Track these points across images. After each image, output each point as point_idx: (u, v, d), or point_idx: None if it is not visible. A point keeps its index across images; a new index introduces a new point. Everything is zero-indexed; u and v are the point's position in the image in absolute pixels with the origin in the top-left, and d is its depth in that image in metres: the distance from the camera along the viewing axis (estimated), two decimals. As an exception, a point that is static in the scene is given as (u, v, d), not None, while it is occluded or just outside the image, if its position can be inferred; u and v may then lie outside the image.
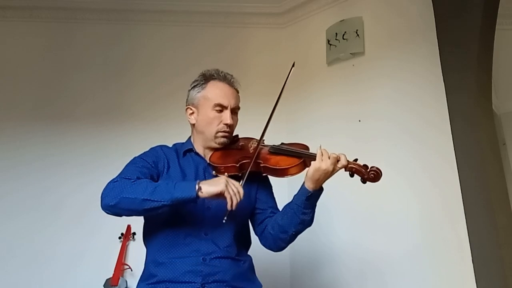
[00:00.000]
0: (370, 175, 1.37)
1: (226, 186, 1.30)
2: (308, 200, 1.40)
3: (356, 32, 2.57)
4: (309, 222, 1.45)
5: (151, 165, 1.47)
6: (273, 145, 1.50)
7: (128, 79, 2.88)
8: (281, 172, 1.43)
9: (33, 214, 2.57)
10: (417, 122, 2.27)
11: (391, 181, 2.27)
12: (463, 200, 2.05)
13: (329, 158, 1.37)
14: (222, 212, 1.38)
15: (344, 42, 2.61)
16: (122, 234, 2.52)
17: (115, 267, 2.40)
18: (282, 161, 1.43)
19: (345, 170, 1.40)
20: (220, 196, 1.30)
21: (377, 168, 1.38)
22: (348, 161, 1.40)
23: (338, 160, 1.38)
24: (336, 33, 2.65)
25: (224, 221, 1.31)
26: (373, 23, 2.57)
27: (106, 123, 2.78)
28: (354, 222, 2.39)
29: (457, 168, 2.09)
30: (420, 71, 2.33)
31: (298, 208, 1.41)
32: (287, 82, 1.51)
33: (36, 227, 2.55)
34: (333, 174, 1.39)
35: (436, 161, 2.17)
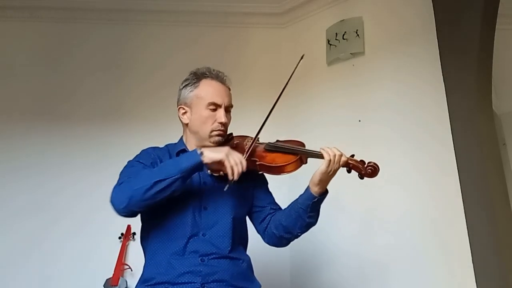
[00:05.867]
0: (368, 170, 1.37)
1: (227, 155, 1.33)
2: (314, 205, 1.42)
3: (356, 32, 2.57)
4: (314, 224, 1.48)
5: (147, 166, 1.47)
6: (269, 143, 1.50)
7: (128, 79, 2.87)
8: (277, 170, 1.42)
9: (33, 215, 2.56)
10: (417, 122, 2.27)
11: (391, 179, 2.28)
12: (463, 200, 2.04)
13: (334, 159, 1.37)
14: (219, 213, 1.41)
15: (344, 42, 2.61)
16: (122, 234, 2.52)
17: (115, 267, 2.40)
18: (278, 158, 1.42)
19: (343, 166, 1.40)
20: (221, 165, 1.33)
21: (374, 163, 1.38)
22: (347, 157, 1.40)
23: (340, 156, 1.39)
24: (336, 33, 2.64)
25: (225, 189, 1.34)
26: (373, 23, 2.57)
27: (107, 124, 2.78)
28: (354, 221, 2.39)
29: (457, 168, 2.09)
30: (420, 71, 2.33)
31: (303, 212, 1.43)
32: (293, 74, 1.51)
33: (35, 227, 2.54)
34: (336, 173, 1.39)
35: (436, 161, 2.17)
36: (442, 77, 2.22)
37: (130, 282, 2.38)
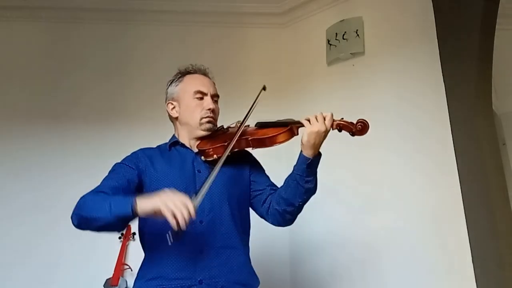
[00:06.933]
0: (358, 127, 1.41)
1: (164, 201, 1.17)
2: (309, 168, 1.40)
3: (356, 32, 2.57)
4: (313, 190, 1.45)
5: (131, 167, 1.46)
6: (258, 122, 1.53)
7: (128, 79, 2.87)
8: (270, 141, 1.45)
9: (33, 215, 2.56)
10: (417, 122, 2.27)
11: (391, 179, 2.29)
12: (463, 200, 2.05)
13: (317, 119, 1.38)
14: (214, 199, 1.40)
15: (344, 42, 2.61)
16: (122, 234, 2.52)
17: (115, 267, 2.40)
18: (270, 131, 1.46)
19: (333, 128, 1.42)
20: (159, 214, 1.17)
21: (363, 119, 1.41)
22: (335, 119, 1.43)
23: (325, 118, 1.40)
24: (336, 33, 2.64)
25: (169, 242, 1.17)
26: (373, 23, 2.57)
27: (108, 124, 2.78)
28: (353, 211, 2.40)
29: (457, 168, 2.09)
30: (420, 71, 2.33)
31: (300, 177, 1.41)
32: (255, 105, 1.51)
33: (36, 227, 2.55)
34: (326, 135, 1.40)
35: (436, 161, 2.17)
36: (442, 77, 2.23)
37: (130, 282, 2.38)
